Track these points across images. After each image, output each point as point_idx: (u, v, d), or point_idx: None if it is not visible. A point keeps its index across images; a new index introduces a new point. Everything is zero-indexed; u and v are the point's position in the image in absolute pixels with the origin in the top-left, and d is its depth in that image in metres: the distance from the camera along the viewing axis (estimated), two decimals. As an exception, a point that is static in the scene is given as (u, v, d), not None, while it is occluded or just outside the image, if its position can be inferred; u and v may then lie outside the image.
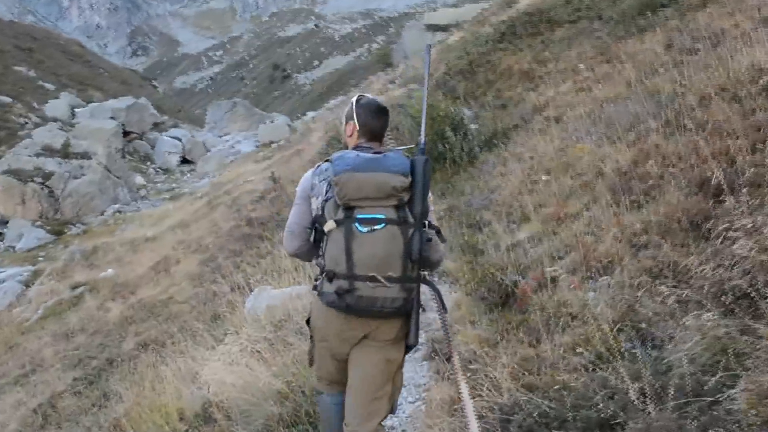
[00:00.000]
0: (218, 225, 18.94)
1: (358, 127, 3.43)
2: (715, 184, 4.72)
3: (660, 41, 11.94)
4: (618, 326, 3.96)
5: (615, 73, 12.05)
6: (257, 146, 44.23)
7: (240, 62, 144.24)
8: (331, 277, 3.08)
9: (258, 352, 5.47)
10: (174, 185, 43.46)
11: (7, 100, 46.68)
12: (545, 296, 5.11)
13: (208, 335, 7.29)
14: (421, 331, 3.50)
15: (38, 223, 33.66)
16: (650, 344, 3.77)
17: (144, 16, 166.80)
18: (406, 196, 3.12)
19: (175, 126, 57.22)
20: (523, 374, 3.88)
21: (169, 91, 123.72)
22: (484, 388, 3.73)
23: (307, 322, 3.45)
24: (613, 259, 4.86)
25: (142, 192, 41.51)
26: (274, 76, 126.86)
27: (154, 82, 79.40)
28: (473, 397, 3.77)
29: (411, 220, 3.11)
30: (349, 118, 3.52)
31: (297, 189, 3.47)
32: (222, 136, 53.42)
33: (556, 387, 3.45)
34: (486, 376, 3.82)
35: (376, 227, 3.05)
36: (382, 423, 3.41)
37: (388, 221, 3.07)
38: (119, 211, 35.72)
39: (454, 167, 13.15)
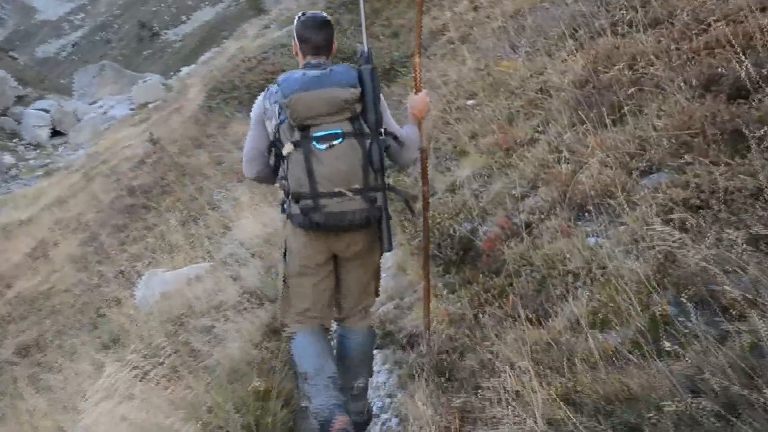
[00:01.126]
0: (98, 198, 17.02)
1: (299, 44, 3.42)
2: (730, 81, 3.62)
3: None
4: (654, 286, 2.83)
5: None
6: (132, 109, 41.60)
7: (104, 24, 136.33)
8: (297, 198, 3.12)
9: (156, 380, 4.07)
10: (47, 160, 40.44)
11: None
12: (521, 248, 3.94)
13: (91, 347, 5.84)
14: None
15: None
16: (712, 310, 2.63)
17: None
18: (358, 108, 3.13)
19: (40, 98, 53.33)
20: (544, 372, 2.67)
21: (31, 61, 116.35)
22: (503, 407, 2.46)
23: (283, 255, 3.47)
24: (611, 190, 3.70)
25: (13, 171, 38.47)
26: (141, 35, 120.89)
27: (12, 53, 73.98)
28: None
29: (367, 130, 3.14)
30: (293, 37, 3.47)
31: (251, 115, 3.44)
32: (93, 102, 50.17)
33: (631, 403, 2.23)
34: (499, 389, 2.55)
35: (333, 143, 3.07)
36: (369, 309, 3.75)
37: (344, 135, 3.09)
38: (-11, 196, 32.86)
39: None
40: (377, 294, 3.75)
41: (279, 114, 3.16)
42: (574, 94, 5.04)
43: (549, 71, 6.00)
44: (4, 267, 16.30)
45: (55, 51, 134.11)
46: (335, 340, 3.80)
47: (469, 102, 7.12)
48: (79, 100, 52.06)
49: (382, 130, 3.23)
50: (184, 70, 49.80)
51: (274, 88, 3.25)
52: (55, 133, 45.71)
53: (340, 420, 3.02)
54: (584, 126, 4.54)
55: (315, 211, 3.07)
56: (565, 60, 5.90)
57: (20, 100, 50.15)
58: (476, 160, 5.58)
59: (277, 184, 3.36)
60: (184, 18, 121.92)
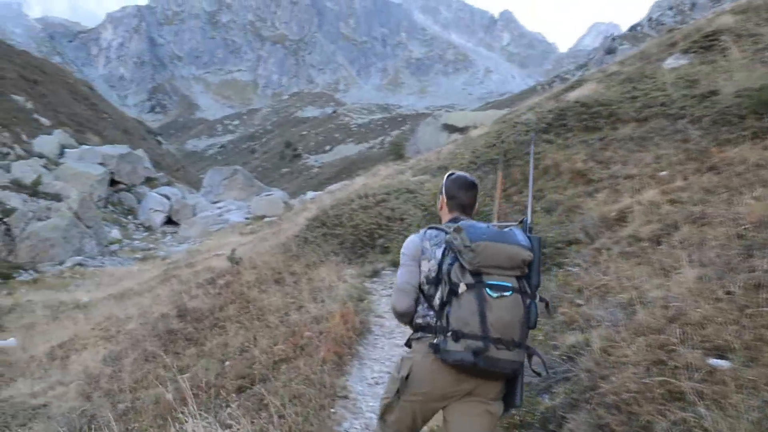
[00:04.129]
0: (153, 307, 14.12)
1: (446, 200, 3.65)
2: None
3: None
4: None
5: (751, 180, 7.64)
6: (247, 218, 39.90)
7: (254, 135, 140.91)
8: (457, 336, 3.11)
9: None
10: (151, 245, 38.77)
11: (-6, 127, 42.47)
12: None
13: None
14: None
15: (-14, 263, 29.00)
16: None
17: (168, 75, 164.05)
18: (526, 270, 3.22)
19: (168, 184, 52.92)
20: None
21: (179, 151, 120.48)
22: None
23: (405, 378, 3.37)
24: None
25: (114, 247, 36.83)
26: (284, 153, 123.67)
27: (159, 138, 75.43)
28: None
29: (528, 290, 3.20)
30: (440, 192, 3.72)
31: (403, 252, 3.55)
32: (215, 202, 49.15)
33: None
34: None
35: (504, 294, 3.12)
36: None
37: (513, 289, 3.14)
38: (80, 264, 30.95)
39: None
40: None
41: (443, 255, 3.30)
42: None
43: None
44: (22, 355, 13.45)
45: (204, 147, 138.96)
46: None
47: (716, 361, 3.66)
48: (203, 196, 51.35)
49: (538, 295, 3.26)
50: (309, 194, 48.27)
51: (432, 231, 3.49)
52: (169, 221, 44.60)
53: None
54: None
55: (482, 354, 3.05)
56: None
57: (148, 181, 49.84)
58: None
59: (419, 321, 3.41)
60: (327, 148, 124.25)
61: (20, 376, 11.87)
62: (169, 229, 43.66)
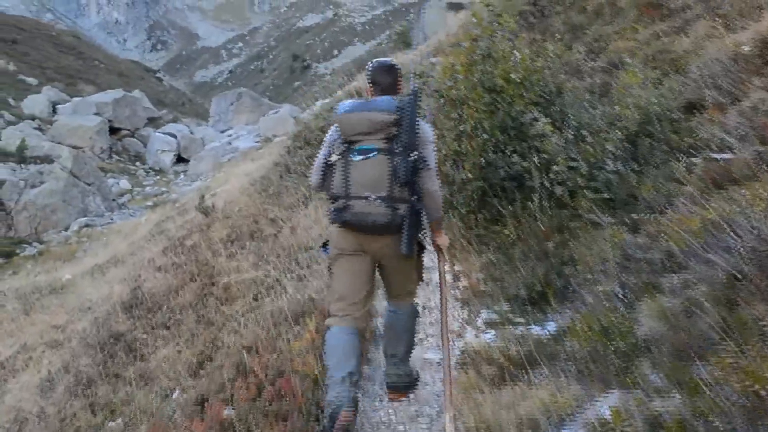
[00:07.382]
0: (116, 286, 10.64)
1: (371, 86, 3.72)
2: None
3: None
4: None
5: None
6: (258, 141, 36.10)
7: (260, 54, 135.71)
8: (334, 199, 3.48)
9: None
10: (163, 189, 35.37)
11: (-24, 96, 38.94)
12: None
13: None
14: None
15: (-16, 242, 25.97)
16: None
17: (162, 10, 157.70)
18: (394, 131, 3.41)
19: (174, 121, 49.18)
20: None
21: (188, 85, 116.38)
22: None
23: (324, 245, 3.78)
24: None
25: (125, 198, 33.60)
26: (293, 66, 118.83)
27: (159, 74, 71.12)
28: None
29: (399, 150, 3.38)
30: (367, 82, 3.79)
31: (325, 138, 3.80)
32: (225, 130, 45.33)
33: None
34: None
35: (368, 156, 3.39)
36: (414, 292, 3.97)
37: (378, 151, 3.39)
38: (88, 225, 27.75)
39: (552, 217, 4.86)
40: (420, 280, 3.93)
41: (337, 135, 3.56)
42: None
43: None
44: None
45: (212, 76, 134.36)
46: (385, 316, 4.06)
47: None
48: (212, 127, 47.60)
49: (415, 153, 3.38)
50: (318, 103, 44.26)
51: None
52: (180, 159, 41.02)
53: (344, 415, 3.23)
54: None
55: (345, 210, 3.41)
56: None
57: (152, 122, 46.07)
58: None
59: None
60: (335, 52, 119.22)
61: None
62: (181, 168, 40.17)
